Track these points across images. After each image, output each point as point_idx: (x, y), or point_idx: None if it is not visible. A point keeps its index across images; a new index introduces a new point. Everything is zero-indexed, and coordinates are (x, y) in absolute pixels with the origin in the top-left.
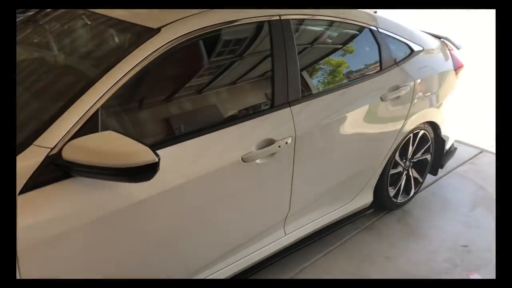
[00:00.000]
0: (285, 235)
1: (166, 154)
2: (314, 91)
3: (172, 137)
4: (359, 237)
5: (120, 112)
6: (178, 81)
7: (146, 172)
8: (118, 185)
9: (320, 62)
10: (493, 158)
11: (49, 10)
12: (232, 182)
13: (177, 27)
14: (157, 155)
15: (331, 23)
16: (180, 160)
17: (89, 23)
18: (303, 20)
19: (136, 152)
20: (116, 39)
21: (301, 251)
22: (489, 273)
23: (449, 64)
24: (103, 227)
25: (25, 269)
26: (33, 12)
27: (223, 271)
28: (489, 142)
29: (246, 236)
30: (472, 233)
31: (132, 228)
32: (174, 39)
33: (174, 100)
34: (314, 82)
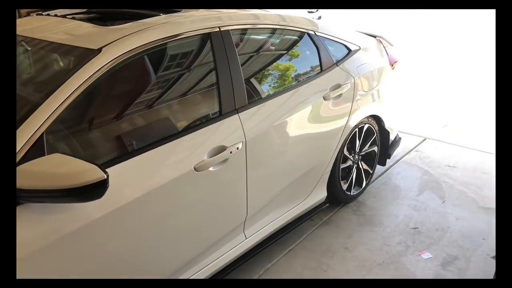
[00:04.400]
0: (246, 238)
1: (121, 170)
2: (260, 97)
3: (124, 153)
4: (317, 233)
5: (68, 135)
6: (125, 98)
7: (96, 189)
8: (72, 207)
9: (264, 68)
10: (435, 144)
11: None
12: (188, 191)
13: (118, 46)
14: (105, 172)
15: (272, 31)
16: (135, 175)
17: (29, 49)
18: (244, 29)
19: (84, 171)
20: (58, 63)
21: (263, 252)
22: (438, 250)
23: (385, 60)
24: (62, 249)
25: None
26: None
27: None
28: (430, 131)
29: (207, 243)
30: (421, 215)
31: (92, 247)
32: (115, 58)
33: (123, 117)
34: (259, 88)
